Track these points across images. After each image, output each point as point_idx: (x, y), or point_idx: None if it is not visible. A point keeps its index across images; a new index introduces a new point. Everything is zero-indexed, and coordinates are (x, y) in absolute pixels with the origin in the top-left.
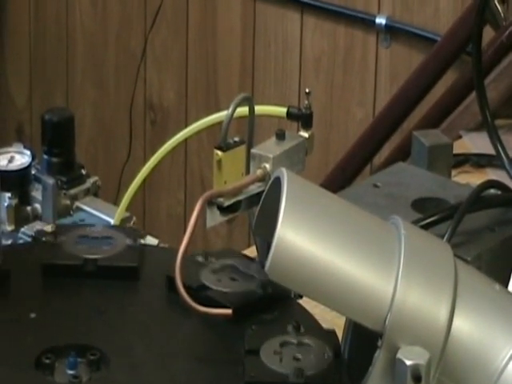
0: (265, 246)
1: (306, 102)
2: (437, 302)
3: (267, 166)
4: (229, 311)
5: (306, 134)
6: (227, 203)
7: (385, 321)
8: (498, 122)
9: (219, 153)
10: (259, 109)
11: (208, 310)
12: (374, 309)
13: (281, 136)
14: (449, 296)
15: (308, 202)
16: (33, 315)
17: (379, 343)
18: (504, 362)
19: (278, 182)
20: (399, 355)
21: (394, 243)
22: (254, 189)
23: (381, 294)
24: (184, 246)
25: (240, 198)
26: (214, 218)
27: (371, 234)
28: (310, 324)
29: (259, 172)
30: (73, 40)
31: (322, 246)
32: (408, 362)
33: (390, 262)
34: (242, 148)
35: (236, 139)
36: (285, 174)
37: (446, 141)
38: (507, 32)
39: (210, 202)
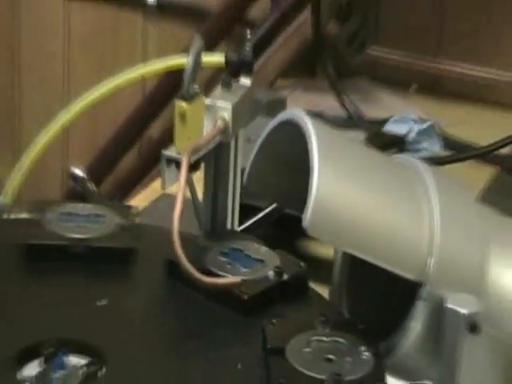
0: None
1: (248, 48)
2: (473, 246)
3: (226, 116)
4: (238, 279)
5: (248, 81)
6: (194, 159)
7: (426, 269)
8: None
9: (184, 104)
10: None
11: (215, 281)
12: (415, 256)
13: (228, 85)
14: (483, 237)
15: (338, 149)
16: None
17: (420, 294)
18: None
19: (281, 126)
20: (450, 304)
21: (418, 187)
22: (212, 143)
23: (421, 241)
24: (179, 209)
25: (201, 153)
26: (173, 178)
27: (397, 178)
28: (337, 317)
29: (220, 124)
30: None
31: (359, 196)
32: (463, 311)
33: (421, 208)
34: (202, 98)
35: (197, 88)
36: (305, 117)
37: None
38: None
39: (168, 161)
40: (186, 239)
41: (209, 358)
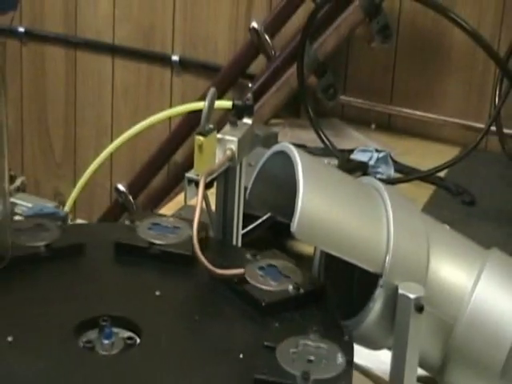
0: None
1: (249, 95)
2: (419, 246)
3: (233, 147)
4: (241, 271)
5: (250, 121)
6: (208, 179)
7: (384, 263)
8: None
9: (201, 138)
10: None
11: (224, 272)
12: (375, 254)
13: (234, 123)
14: (425, 239)
15: (317, 170)
16: (96, 285)
17: (380, 283)
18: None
19: (275, 155)
20: (401, 291)
21: (378, 201)
22: (222, 168)
23: (380, 243)
24: (197, 217)
25: (214, 175)
26: (193, 194)
27: (363, 194)
28: (330, 328)
29: (229, 153)
30: None
31: (334, 209)
32: (412, 296)
33: (380, 218)
34: (215, 133)
35: (211, 126)
36: (293, 148)
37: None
38: (280, 58)
39: (189, 180)
40: (237, 253)
41: (223, 343)
